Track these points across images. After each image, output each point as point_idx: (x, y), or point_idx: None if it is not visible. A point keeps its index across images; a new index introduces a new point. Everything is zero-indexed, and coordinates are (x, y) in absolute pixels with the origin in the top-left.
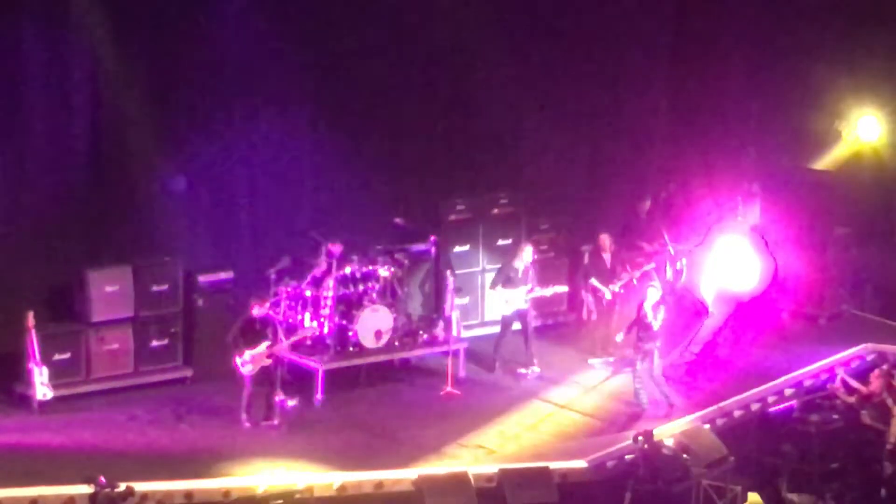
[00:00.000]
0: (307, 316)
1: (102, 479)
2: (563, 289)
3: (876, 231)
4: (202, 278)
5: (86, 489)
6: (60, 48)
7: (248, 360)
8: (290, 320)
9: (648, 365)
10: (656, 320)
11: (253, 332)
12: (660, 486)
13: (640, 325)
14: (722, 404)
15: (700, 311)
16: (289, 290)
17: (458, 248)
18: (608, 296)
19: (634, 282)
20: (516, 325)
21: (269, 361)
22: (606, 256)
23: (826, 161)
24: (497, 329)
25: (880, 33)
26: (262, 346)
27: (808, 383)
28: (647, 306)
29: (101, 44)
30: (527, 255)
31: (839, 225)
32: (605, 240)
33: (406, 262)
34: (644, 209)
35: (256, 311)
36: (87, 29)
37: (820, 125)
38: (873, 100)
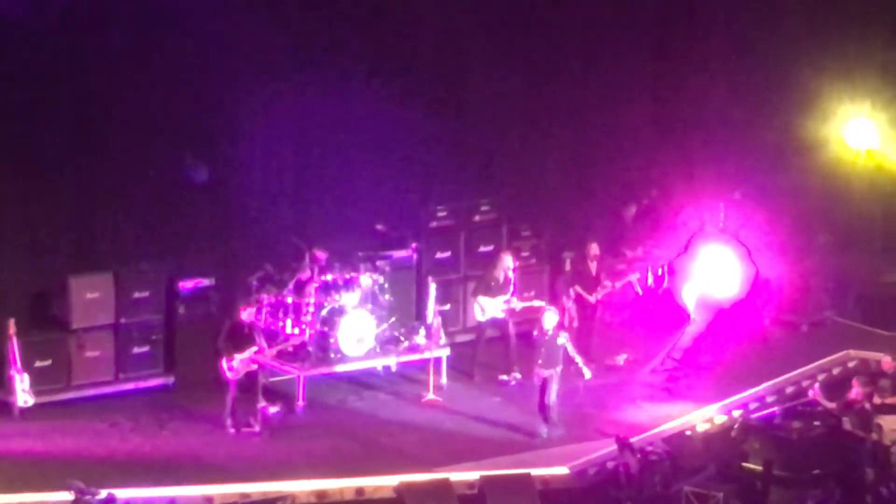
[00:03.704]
0: (289, 322)
1: (83, 485)
2: (539, 303)
3: (858, 238)
4: (183, 285)
5: (67, 496)
6: (43, 47)
7: (235, 365)
8: (272, 327)
9: (544, 391)
10: (560, 343)
11: (241, 336)
12: (656, 489)
13: (539, 349)
14: (703, 411)
15: (682, 317)
16: (270, 297)
17: (439, 255)
18: (592, 300)
19: (617, 286)
20: (491, 333)
21: (255, 367)
22: (593, 265)
23: (809, 168)
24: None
25: (863, 41)
26: (249, 352)
27: (789, 390)
28: (548, 330)
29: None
30: (506, 263)
31: (821, 232)
32: (594, 248)
33: (388, 268)
34: (630, 215)
35: (244, 316)
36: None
37: (803, 132)
38: (857, 107)
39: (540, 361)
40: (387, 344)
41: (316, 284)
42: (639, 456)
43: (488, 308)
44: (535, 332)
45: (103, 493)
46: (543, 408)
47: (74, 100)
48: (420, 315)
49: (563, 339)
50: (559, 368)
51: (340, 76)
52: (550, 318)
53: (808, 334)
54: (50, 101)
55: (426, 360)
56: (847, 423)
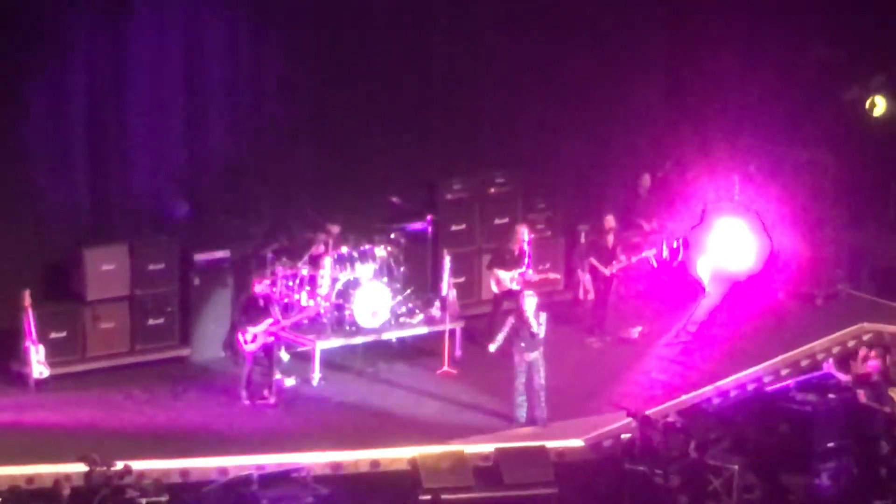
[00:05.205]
0: (304, 295)
1: (98, 457)
2: (555, 276)
3: (873, 211)
4: (198, 257)
5: (82, 467)
6: (56, 26)
7: (251, 338)
8: (287, 299)
9: (531, 375)
10: (542, 326)
11: (256, 309)
12: (689, 457)
13: (521, 333)
14: (718, 384)
15: (696, 290)
16: (285, 269)
17: (454, 227)
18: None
19: (633, 261)
20: (507, 305)
21: (271, 339)
22: (609, 237)
23: (824, 140)
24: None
25: (879, 12)
26: (265, 324)
27: (804, 363)
28: (529, 315)
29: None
30: (522, 235)
31: (836, 204)
32: (610, 220)
33: (403, 241)
34: (644, 187)
35: (258, 289)
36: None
37: (817, 104)
38: (872, 79)
39: (523, 345)
40: (402, 316)
41: (331, 257)
42: (661, 427)
43: (503, 280)
44: (514, 318)
45: (118, 465)
46: (530, 391)
47: (90, 70)
48: (435, 287)
49: (542, 319)
50: (542, 350)
51: (355, 47)
52: (530, 303)
53: (823, 307)
54: (65, 71)
55: (441, 333)
56: (862, 396)
